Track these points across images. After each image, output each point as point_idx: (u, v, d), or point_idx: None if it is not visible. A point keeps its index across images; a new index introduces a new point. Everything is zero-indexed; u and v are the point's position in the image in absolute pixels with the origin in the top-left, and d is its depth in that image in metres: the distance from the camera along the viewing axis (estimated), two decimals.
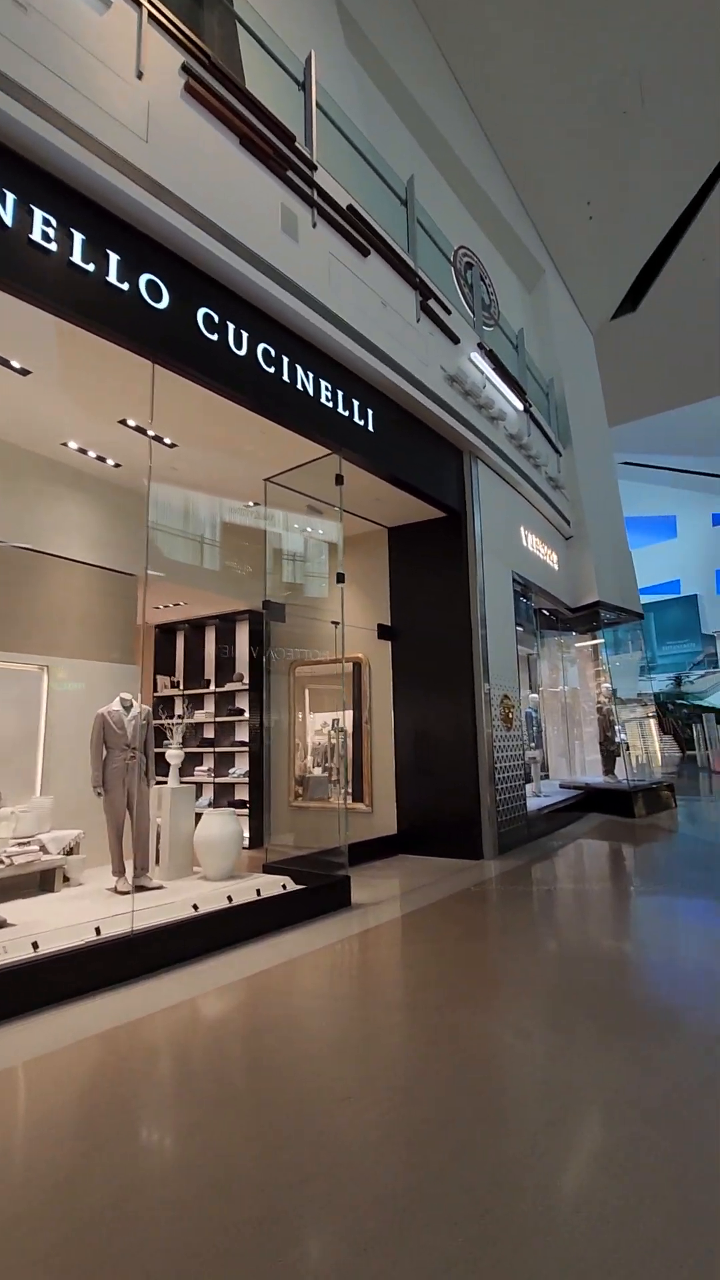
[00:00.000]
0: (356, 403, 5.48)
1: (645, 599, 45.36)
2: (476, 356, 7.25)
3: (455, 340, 6.85)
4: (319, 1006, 3.01)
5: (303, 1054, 2.50)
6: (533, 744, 9.48)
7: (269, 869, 5.21)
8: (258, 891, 4.38)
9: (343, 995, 3.17)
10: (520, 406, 8.30)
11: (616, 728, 10.42)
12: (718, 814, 9.82)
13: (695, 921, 4.40)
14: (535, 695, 9.76)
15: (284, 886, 4.57)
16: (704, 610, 41.85)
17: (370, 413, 5.64)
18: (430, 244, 7.04)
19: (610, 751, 10.29)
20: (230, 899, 4.15)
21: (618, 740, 10.31)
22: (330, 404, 5.16)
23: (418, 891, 5.32)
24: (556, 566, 9.63)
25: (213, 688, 8.16)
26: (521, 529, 8.39)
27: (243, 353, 4.39)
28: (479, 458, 7.32)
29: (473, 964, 3.50)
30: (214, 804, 7.81)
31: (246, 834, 7.03)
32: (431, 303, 6.46)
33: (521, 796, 7.24)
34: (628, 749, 10.46)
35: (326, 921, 4.37)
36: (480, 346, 7.43)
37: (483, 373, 7.40)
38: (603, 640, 11.32)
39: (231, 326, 4.32)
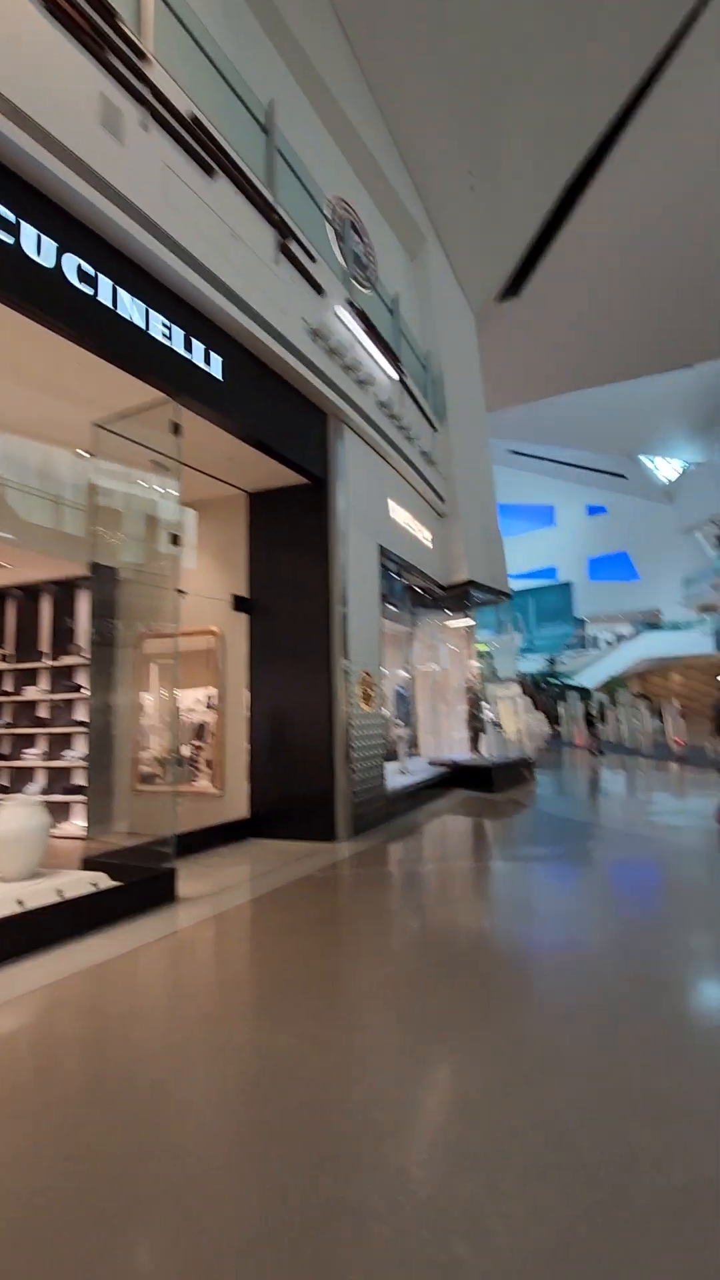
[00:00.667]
0: (200, 344, 4.90)
1: (524, 584, 47.82)
2: (344, 313, 6.84)
3: (320, 291, 6.40)
4: (85, 1033, 2.56)
5: (36, 1105, 2.05)
6: (401, 722, 9.44)
7: (89, 864, 4.65)
8: (59, 893, 3.83)
9: (123, 1015, 2.75)
10: (394, 374, 8.01)
11: (484, 705, 10.63)
12: (569, 787, 10.31)
13: (528, 894, 4.39)
14: (405, 673, 9.69)
15: (94, 885, 4.04)
16: (577, 596, 44.81)
17: (218, 358, 5.07)
18: (296, 185, 6.51)
19: (476, 729, 10.48)
20: (21, 903, 3.58)
21: (483, 717, 10.53)
22: (166, 340, 4.55)
23: (257, 880, 4.98)
24: (429, 544, 9.55)
25: (48, 661, 7.30)
26: (391, 502, 8.17)
27: (45, 263, 3.69)
28: (346, 423, 6.96)
29: (286, 964, 3.19)
30: (48, 790, 7.03)
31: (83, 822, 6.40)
32: (293, 245, 5.95)
33: (380, 776, 7.09)
34: (495, 726, 10.72)
35: (142, 922, 3.91)
36: (350, 304, 7.03)
37: (351, 332, 7.01)
38: (473, 620, 11.48)
39: (29, 228, 3.61)
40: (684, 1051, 2.23)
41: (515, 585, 48.56)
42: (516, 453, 42.98)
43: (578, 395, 29.49)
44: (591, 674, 34.87)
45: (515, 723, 12.17)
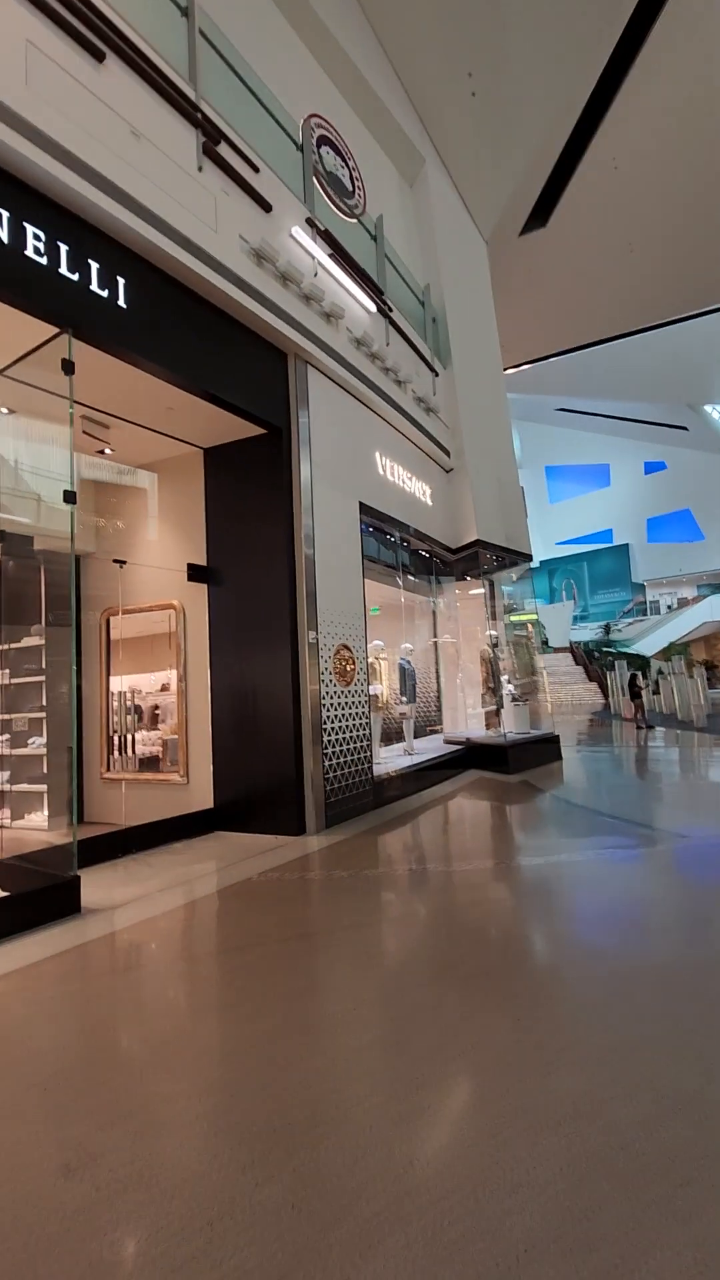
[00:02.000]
0: (96, 265, 4.18)
1: (579, 549, 45.56)
2: (302, 234, 5.95)
3: (267, 208, 5.54)
4: None
5: None
6: (404, 699, 8.65)
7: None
8: None
9: None
10: (371, 306, 7.07)
11: (503, 679, 9.68)
12: (596, 767, 9.29)
13: (503, 913, 3.60)
14: (409, 646, 8.86)
15: None
16: (635, 559, 42.23)
17: (122, 281, 4.34)
18: (235, 82, 5.61)
19: (493, 703, 9.56)
20: None
21: (504, 691, 9.59)
22: (42, 259, 3.85)
23: (191, 884, 4.39)
24: (429, 501, 8.61)
25: (4, 644, 6.89)
26: (377, 455, 7.29)
27: None
28: (310, 363, 6.12)
29: (149, 1022, 2.55)
30: (11, 781, 6.67)
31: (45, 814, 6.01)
32: (225, 151, 5.10)
33: (365, 760, 6.37)
34: (514, 700, 9.78)
35: (21, 942, 3.37)
36: (311, 224, 6.13)
37: (313, 257, 6.12)
38: (491, 586, 10.47)
39: None
40: None
41: (568, 550, 46.79)
42: (566, 410, 40.52)
43: (630, 343, 27.11)
44: (651, 641, 32.81)
45: (537, 694, 11.08)
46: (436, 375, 8.97)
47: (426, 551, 9.09)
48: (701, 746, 10.75)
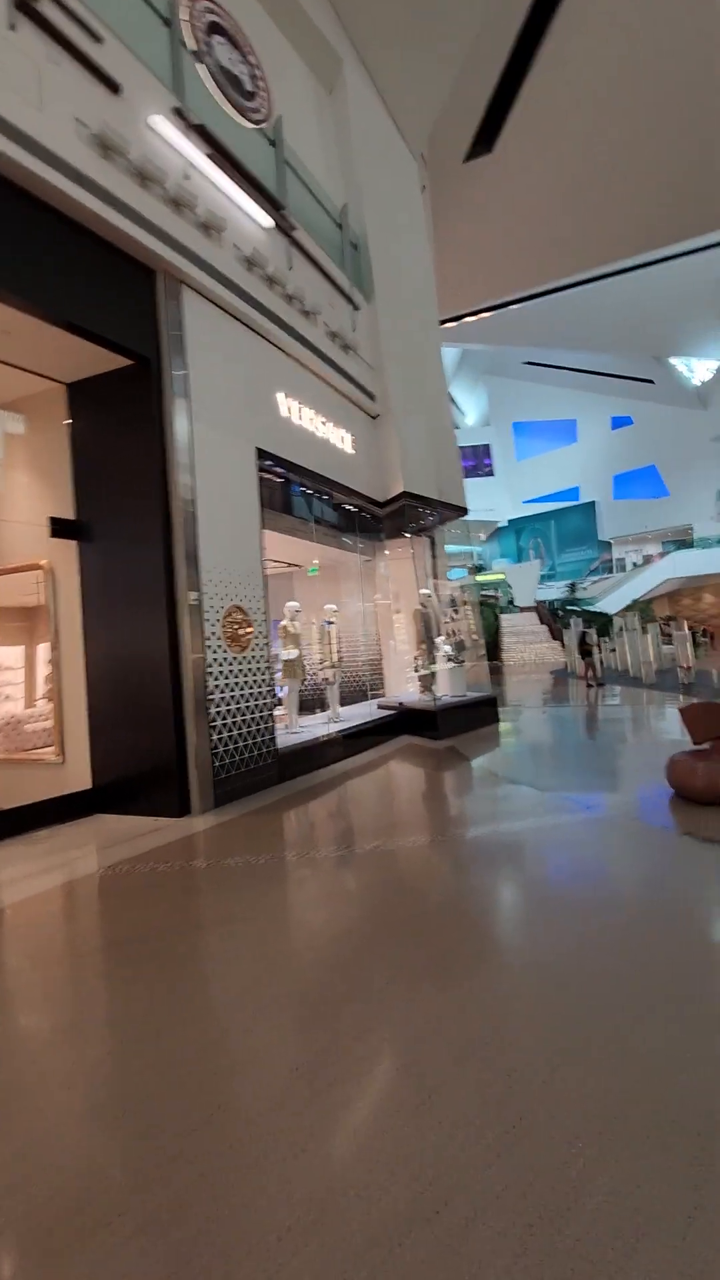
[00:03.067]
0: None
1: (546, 507, 45.11)
2: (166, 125, 5.10)
3: (114, 88, 4.67)
4: None
5: None
6: (326, 663, 8.12)
7: None
8: None
9: None
10: (267, 222, 6.25)
11: (438, 639, 9.18)
12: (533, 730, 8.93)
13: (385, 905, 3.13)
14: (333, 606, 8.29)
15: None
16: (601, 517, 41.90)
17: None
18: None
19: (427, 665, 9.08)
20: None
21: (438, 652, 9.11)
22: None
23: (39, 876, 3.86)
24: (351, 450, 7.93)
25: None
26: (280, 395, 6.56)
27: None
28: (185, 283, 5.34)
29: None
30: None
31: None
32: (49, 9, 4.22)
33: (264, 732, 5.84)
34: (450, 660, 9.31)
35: None
36: (181, 116, 5.27)
37: (184, 155, 5.28)
38: (423, 543, 9.89)
39: None
40: None
41: (536, 509, 46.30)
42: (532, 363, 39.44)
43: (593, 292, 26.18)
44: (615, 599, 32.72)
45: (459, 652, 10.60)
46: (357, 309, 8.17)
47: (354, 505, 8.45)
48: (639, 705, 10.47)
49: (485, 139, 12.44)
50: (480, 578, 40.14)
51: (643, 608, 30.33)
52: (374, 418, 8.55)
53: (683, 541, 36.31)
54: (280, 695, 7.56)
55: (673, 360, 36.21)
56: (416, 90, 9.50)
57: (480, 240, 15.73)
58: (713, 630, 31.42)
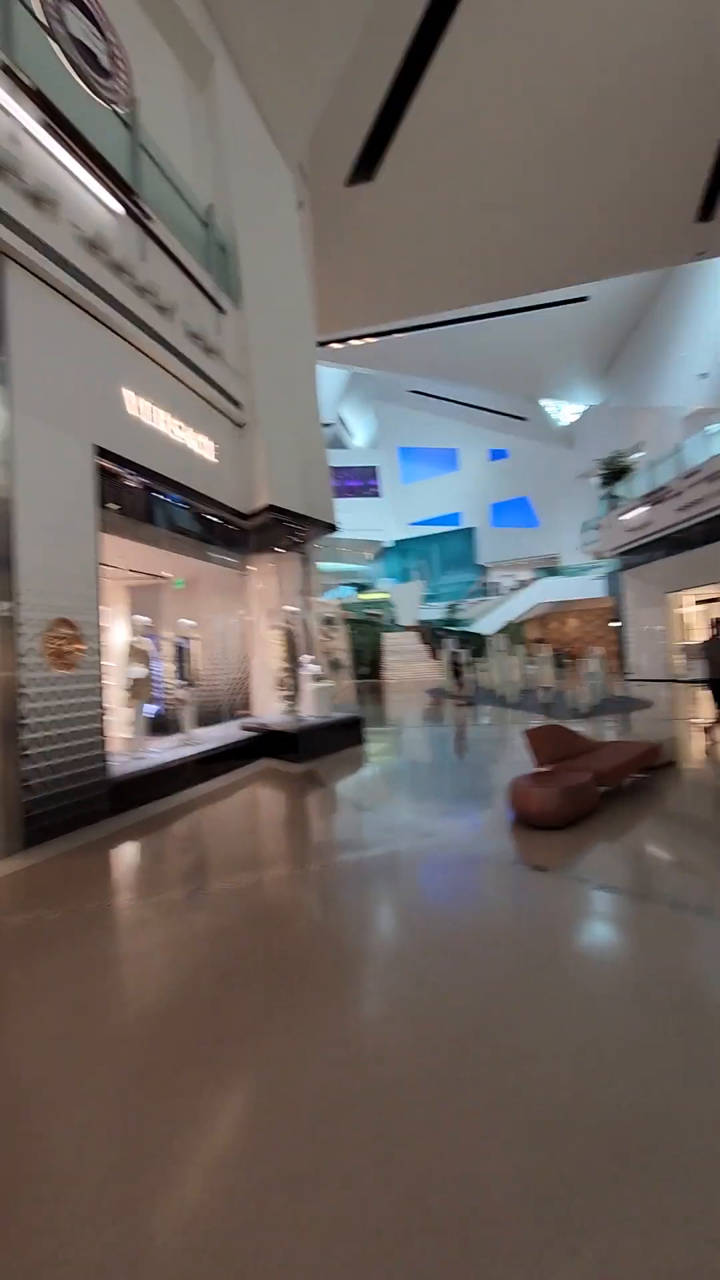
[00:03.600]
0: None
1: (430, 530, 46.74)
2: None
3: None
4: None
5: None
6: (185, 682, 7.60)
7: None
8: None
9: None
10: (117, 207, 5.79)
11: (304, 658, 8.93)
12: (400, 752, 8.91)
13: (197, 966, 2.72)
14: (189, 622, 7.80)
15: None
16: (480, 542, 44.10)
17: None
18: None
19: (291, 685, 8.79)
20: None
21: (304, 670, 8.85)
22: None
23: None
24: (214, 458, 7.55)
25: None
26: (127, 392, 6.07)
27: None
28: (9, 256, 4.77)
29: None
30: None
31: None
32: None
33: (96, 759, 5.26)
34: (318, 680, 9.09)
35: None
36: (8, 72, 4.73)
37: (12, 116, 4.74)
38: (295, 559, 9.65)
39: None
40: None
41: (420, 531, 47.72)
42: (417, 392, 40.96)
43: (477, 332, 27.69)
44: (490, 620, 34.37)
45: (335, 673, 10.54)
46: (223, 313, 7.85)
47: (218, 516, 8.04)
48: (502, 725, 10.83)
49: (367, 165, 12.69)
50: (365, 596, 40.75)
51: (514, 630, 32.09)
52: (240, 426, 8.23)
53: (551, 569, 38.99)
54: (148, 715, 6.97)
55: (543, 401, 39.08)
56: (292, 99, 9.43)
57: (363, 265, 16.01)
58: (575, 653, 33.76)
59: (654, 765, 5.87)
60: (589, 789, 4.62)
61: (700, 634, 17.91)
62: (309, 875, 3.81)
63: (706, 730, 7.91)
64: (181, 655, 7.55)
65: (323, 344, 23.09)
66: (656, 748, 5.80)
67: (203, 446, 7.28)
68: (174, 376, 6.82)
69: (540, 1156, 1.59)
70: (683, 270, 22.78)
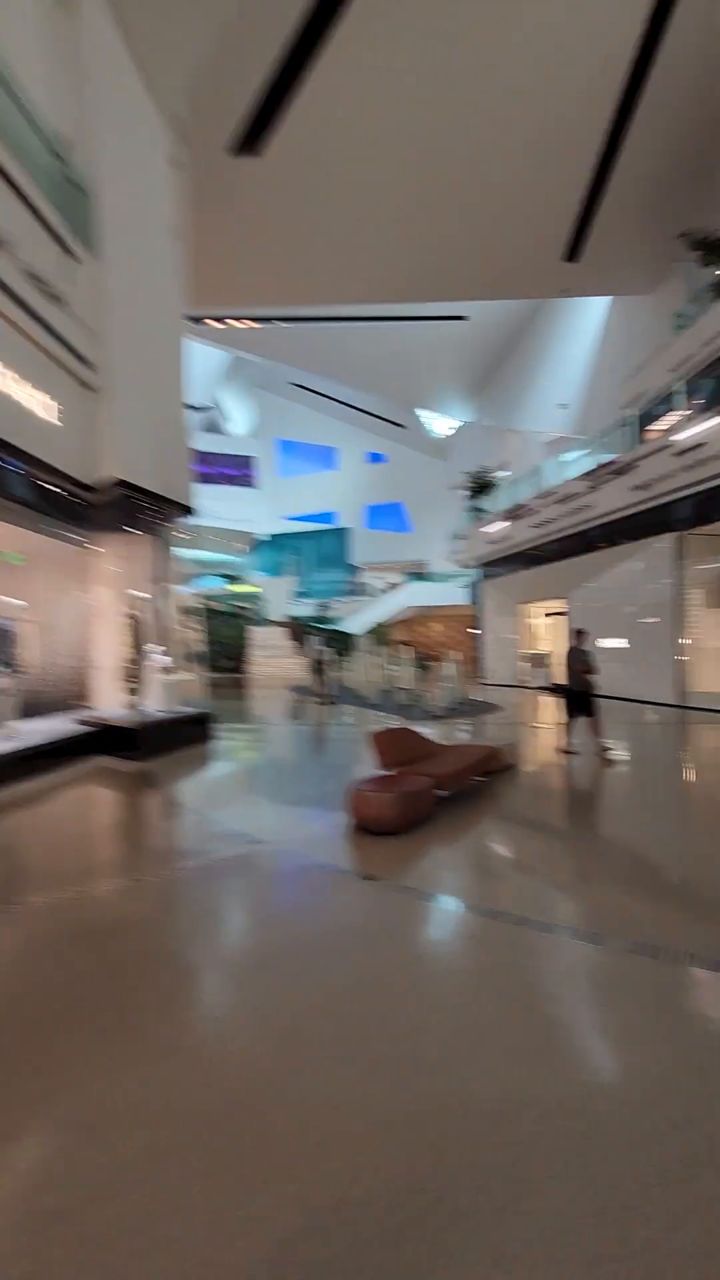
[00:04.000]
0: None
1: (307, 526, 46.50)
2: None
3: None
4: None
5: None
6: (5, 669, 6.72)
7: None
8: None
9: None
10: None
11: (148, 647, 8.29)
12: (246, 751, 8.57)
13: None
14: (17, 601, 6.92)
15: None
16: (354, 542, 44.65)
17: None
18: None
19: (135, 676, 8.13)
20: None
21: (149, 662, 8.22)
22: None
23: None
24: (56, 420, 6.74)
25: None
26: None
27: None
28: None
29: None
30: None
31: None
32: None
33: None
34: (167, 672, 8.49)
35: None
36: None
37: None
38: (151, 541, 8.96)
39: None
40: None
41: (294, 527, 47.32)
42: (299, 385, 40.58)
43: (364, 334, 27.83)
44: (360, 620, 34.86)
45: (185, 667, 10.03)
46: (76, 260, 7.03)
47: (59, 486, 7.19)
48: (358, 725, 10.86)
49: (254, 137, 12.15)
50: (236, 589, 39.70)
51: (381, 631, 32.79)
52: (90, 390, 7.44)
53: (420, 574, 40.36)
54: None
55: (421, 412, 40.39)
56: (168, 43, 8.70)
57: (247, 244, 15.42)
58: (436, 656, 35.33)
59: (493, 769, 6.05)
60: (427, 793, 4.60)
61: (545, 644, 19.30)
62: (115, 891, 3.39)
63: (560, 740, 7.92)
64: (5, 638, 6.66)
65: (199, 320, 22.05)
66: (496, 752, 5.98)
67: (40, 405, 6.46)
68: (3, 317, 5.97)
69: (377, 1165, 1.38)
70: (551, 304, 24.44)
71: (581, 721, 7.43)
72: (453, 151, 13.22)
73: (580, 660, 7.50)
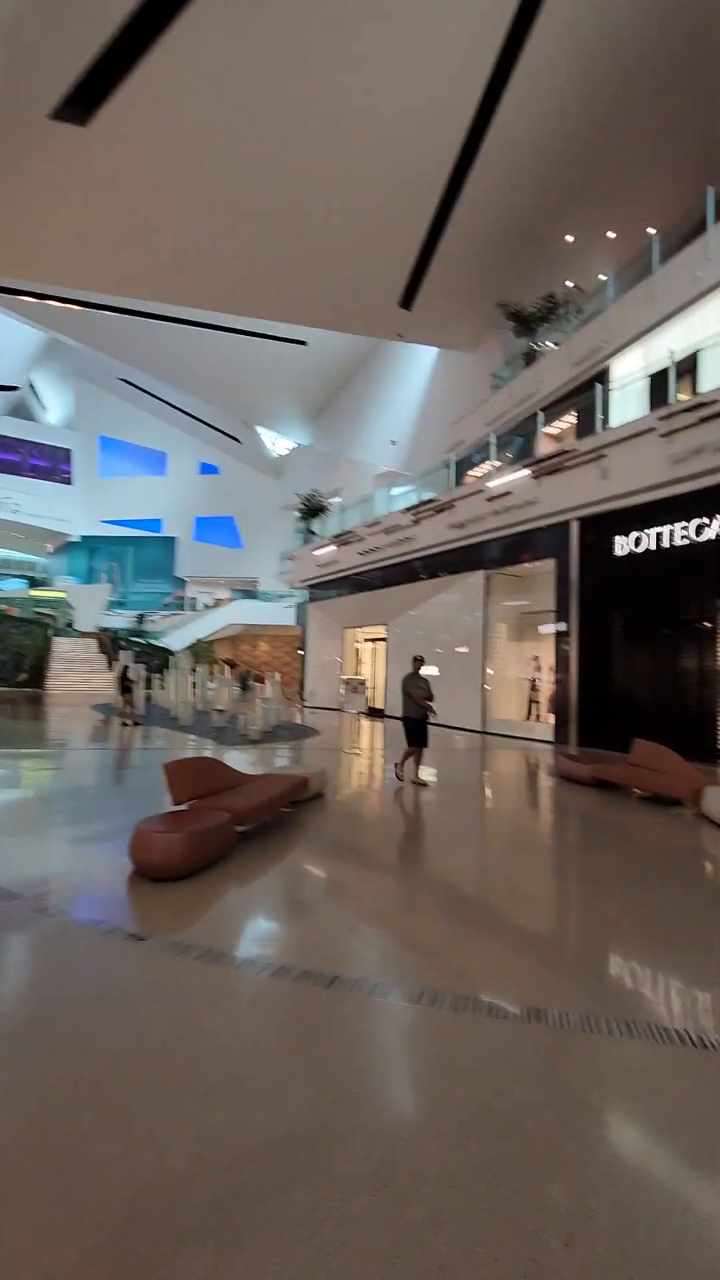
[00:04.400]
0: None
1: (125, 531, 43.44)
2: None
3: None
4: None
5: None
6: None
7: None
8: None
9: None
10: None
11: None
12: (43, 783, 7.38)
13: None
14: None
15: None
16: (180, 553, 42.65)
17: None
18: None
19: None
20: None
21: None
22: None
23: None
24: None
25: None
26: None
27: None
28: None
29: None
30: None
31: None
32: None
33: None
34: None
35: None
36: None
37: None
38: None
39: None
40: None
41: (113, 532, 44.13)
42: (127, 381, 38.09)
43: (205, 342, 26.77)
44: (182, 635, 33.11)
45: None
46: None
47: None
48: (163, 751, 10.00)
49: (80, 105, 11.08)
50: (38, 593, 35.68)
51: (204, 648, 31.43)
52: None
53: (249, 592, 39.63)
54: None
55: (260, 429, 40.13)
56: None
57: (67, 215, 14.01)
58: (260, 676, 34.73)
59: (301, 799, 5.74)
60: (223, 830, 4.13)
61: (366, 669, 19.76)
62: None
63: (398, 765, 7.48)
64: None
65: (6, 290, 19.67)
66: (304, 781, 5.68)
67: None
68: None
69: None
70: (388, 345, 25.71)
71: (413, 749, 7.29)
72: (301, 178, 13.27)
73: (420, 688, 7.27)
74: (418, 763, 7.32)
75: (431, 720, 7.42)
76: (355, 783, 7.98)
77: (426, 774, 7.61)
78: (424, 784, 7.20)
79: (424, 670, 7.51)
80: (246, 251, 15.60)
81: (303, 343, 25.94)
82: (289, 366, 29.38)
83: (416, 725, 7.27)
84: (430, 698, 7.31)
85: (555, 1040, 2.29)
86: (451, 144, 12.49)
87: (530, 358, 14.99)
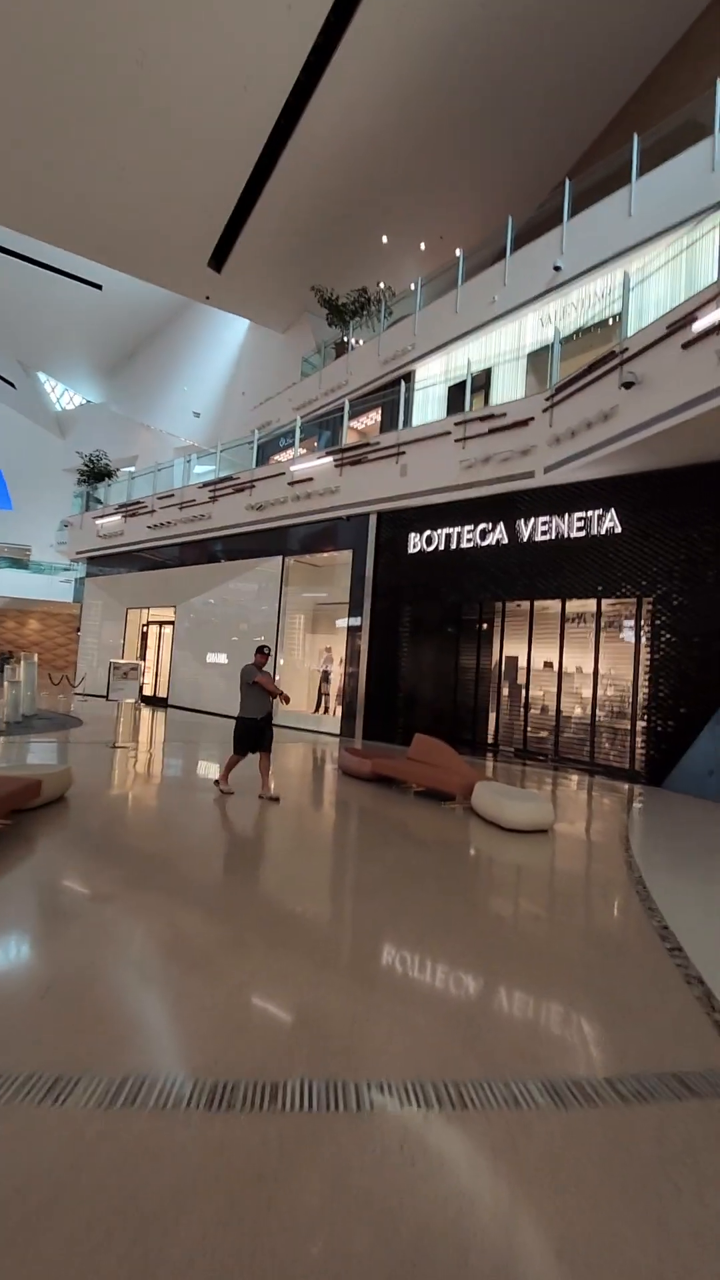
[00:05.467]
0: None
1: None
2: None
3: None
4: None
5: None
6: None
7: None
8: None
9: None
10: None
11: None
12: None
13: None
14: None
15: None
16: None
17: None
18: None
19: None
20: None
21: None
22: None
23: None
24: None
25: None
26: None
27: None
28: None
29: None
30: None
31: None
32: None
33: None
34: None
35: None
36: None
37: None
38: None
39: None
40: None
41: None
42: None
43: None
44: None
45: None
46: None
47: None
48: None
49: None
50: None
51: None
52: None
53: (19, 561, 34.46)
54: None
55: (42, 376, 35.17)
56: None
57: None
58: (14, 654, 30.58)
59: (28, 806, 4.60)
60: None
61: (151, 654, 18.11)
62: None
63: (217, 783, 6.36)
64: None
65: None
66: (35, 785, 4.55)
67: None
68: None
69: None
70: (198, 310, 23.94)
71: (239, 756, 6.22)
72: (116, 103, 11.49)
73: (266, 676, 6.16)
74: (266, 771, 6.18)
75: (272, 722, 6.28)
76: (115, 783, 6.88)
77: (228, 779, 6.38)
78: (276, 799, 5.99)
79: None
80: (49, 163, 13.16)
81: (98, 285, 23.04)
82: (82, 310, 25.98)
83: (257, 727, 6.12)
84: (275, 695, 6.13)
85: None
86: (271, 108, 11.74)
87: (341, 348, 14.83)
